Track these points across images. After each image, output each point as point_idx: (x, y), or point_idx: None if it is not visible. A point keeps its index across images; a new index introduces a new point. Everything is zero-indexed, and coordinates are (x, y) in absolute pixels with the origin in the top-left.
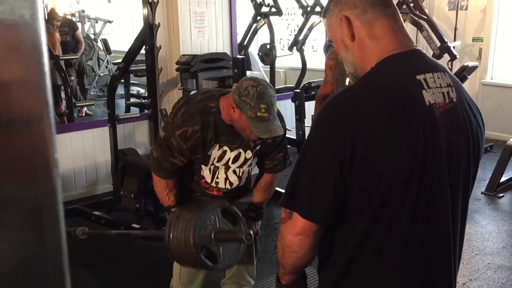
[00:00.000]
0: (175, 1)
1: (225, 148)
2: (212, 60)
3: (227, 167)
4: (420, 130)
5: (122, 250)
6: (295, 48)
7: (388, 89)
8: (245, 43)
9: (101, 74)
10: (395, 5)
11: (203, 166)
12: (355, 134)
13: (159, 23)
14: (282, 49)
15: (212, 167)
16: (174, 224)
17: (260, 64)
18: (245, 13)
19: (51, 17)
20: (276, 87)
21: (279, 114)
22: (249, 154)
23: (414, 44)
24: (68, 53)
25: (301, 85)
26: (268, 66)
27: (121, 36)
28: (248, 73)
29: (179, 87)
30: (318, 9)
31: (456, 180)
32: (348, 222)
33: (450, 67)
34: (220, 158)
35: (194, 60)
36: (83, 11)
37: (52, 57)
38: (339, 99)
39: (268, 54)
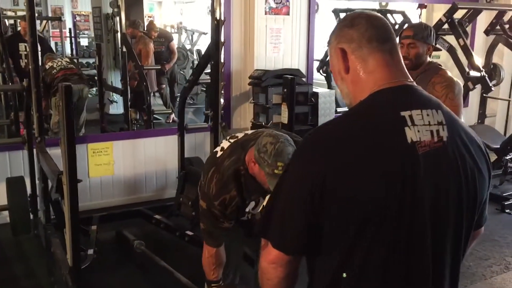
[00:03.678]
0: (252, 17)
1: (260, 199)
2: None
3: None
4: (396, 168)
5: (176, 255)
6: None
7: (367, 124)
8: (327, 59)
9: None
10: (394, 41)
11: (241, 219)
12: (326, 168)
13: (224, 40)
14: None
15: (249, 215)
16: None
17: None
18: (328, 29)
19: (149, 28)
20: None
21: None
22: None
23: (409, 80)
24: (161, 62)
25: None
26: None
27: None
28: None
29: (251, 100)
30: (405, 27)
31: (443, 221)
32: (323, 255)
33: None
34: (255, 208)
35: (266, 75)
36: (180, 23)
37: (137, 67)
38: (317, 132)
39: None
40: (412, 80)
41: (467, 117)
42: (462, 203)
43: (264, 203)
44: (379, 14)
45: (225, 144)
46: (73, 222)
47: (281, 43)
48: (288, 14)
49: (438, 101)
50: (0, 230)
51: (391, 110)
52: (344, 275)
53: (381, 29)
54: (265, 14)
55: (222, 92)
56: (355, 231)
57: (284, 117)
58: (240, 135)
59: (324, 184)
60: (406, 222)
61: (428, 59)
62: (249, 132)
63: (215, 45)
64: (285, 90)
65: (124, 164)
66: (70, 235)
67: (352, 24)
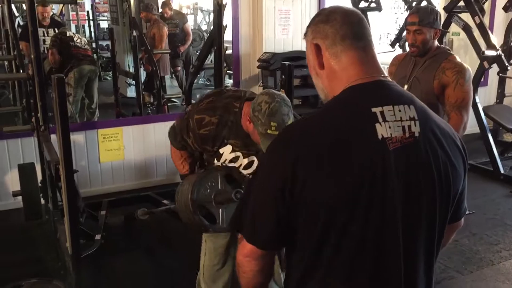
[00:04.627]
0: None
1: (238, 153)
2: (292, 59)
3: None
4: (366, 165)
5: (180, 238)
6: (397, 44)
7: (337, 121)
8: None
9: None
10: (369, 37)
11: (215, 161)
12: (296, 164)
13: (226, 24)
14: (389, 44)
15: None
16: (182, 185)
17: None
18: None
19: (164, 6)
20: None
21: None
22: None
23: (382, 75)
24: (176, 45)
25: None
26: None
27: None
28: None
29: (260, 84)
30: (424, 3)
31: (415, 218)
32: (297, 249)
33: None
34: (232, 162)
35: (274, 58)
36: (196, 3)
37: (147, 51)
38: (289, 128)
39: None
40: (385, 75)
41: (486, 96)
42: (435, 198)
43: (242, 165)
44: (356, 10)
45: None
46: (71, 211)
47: (290, 24)
48: None
49: (411, 96)
50: (14, 215)
51: (362, 107)
52: None
53: (356, 26)
54: None
55: (231, 72)
56: (323, 227)
57: None
58: None
59: (294, 179)
60: (376, 219)
61: (436, 43)
62: None
63: (218, 29)
64: (283, 76)
65: (134, 149)
66: (69, 224)
67: (327, 19)
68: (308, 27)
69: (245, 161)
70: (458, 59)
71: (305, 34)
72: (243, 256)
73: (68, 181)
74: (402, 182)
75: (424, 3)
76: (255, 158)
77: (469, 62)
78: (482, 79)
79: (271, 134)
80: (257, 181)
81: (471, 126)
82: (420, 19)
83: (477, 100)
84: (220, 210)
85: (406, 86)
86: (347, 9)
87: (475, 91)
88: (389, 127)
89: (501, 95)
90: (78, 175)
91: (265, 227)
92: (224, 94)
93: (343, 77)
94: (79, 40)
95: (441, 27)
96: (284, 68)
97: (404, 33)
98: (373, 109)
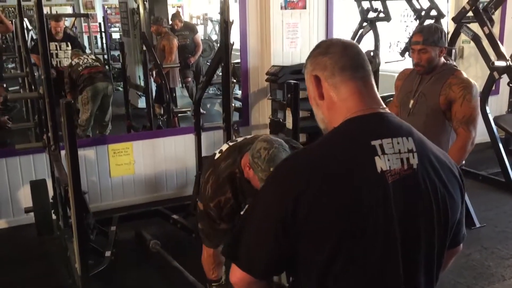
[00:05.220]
0: (268, 13)
1: None
2: (300, 72)
3: None
4: (366, 198)
5: (192, 255)
6: (407, 53)
7: (337, 154)
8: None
9: None
10: (367, 68)
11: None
12: (296, 198)
13: (233, 42)
14: (399, 53)
15: None
16: None
17: None
18: (352, 19)
19: (175, 17)
20: (384, 94)
21: None
22: None
23: (381, 107)
24: (186, 56)
25: None
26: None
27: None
28: None
29: (268, 97)
30: (433, 12)
31: (415, 247)
32: (299, 273)
33: None
34: None
35: (282, 71)
36: (206, 14)
37: (156, 65)
38: (288, 161)
39: (371, 62)
40: (384, 106)
41: (498, 105)
42: (433, 228)
43: None
44: (354, 43)
45: (224, 147)
46: (80, 234)
47: (298, 37)
48: (304, 8)
49: (409, 127)
50: (27, 230)
51: (362, 140)
52: None
53: (355, 57)
54: (281, 9)
55: (239, 83)
56: (324, 260)
57: (289, 123)
58: (240, 139)
59: (295, 213)
60: (378, 250)
61: (443, 60)
62: (249, 136)
63: (225, 47)
64: (289, 95)
65: (144, 163)
66: (78, 246)
67: (326, 51)
68: (307, 59)
69: None
70: (465, 75)
71: (305, 66)
72: (234, 282)
73: (76, 205)
74: (401, 214)
75: (433, 12)
76: None
77: (480, 70)
78: (494, 88)
79: None
80: (257, 213)
81: (482, 135)
82: (425, 38)
83: (488, 110)
84: None
85: (412, 101)
86: (346, 41)
87: (485, 101)
88: (388, 160)
89: None
90: (89, 190)
91: (264, 258)
92: (219, 167)
93: (342, 108)
94: (85, 60)
95: (446, 45)
96: (289, 86)
97: None
98: (372, 142)
